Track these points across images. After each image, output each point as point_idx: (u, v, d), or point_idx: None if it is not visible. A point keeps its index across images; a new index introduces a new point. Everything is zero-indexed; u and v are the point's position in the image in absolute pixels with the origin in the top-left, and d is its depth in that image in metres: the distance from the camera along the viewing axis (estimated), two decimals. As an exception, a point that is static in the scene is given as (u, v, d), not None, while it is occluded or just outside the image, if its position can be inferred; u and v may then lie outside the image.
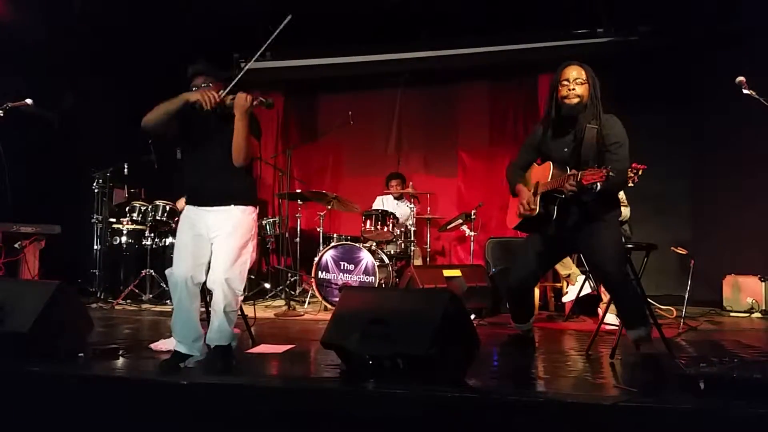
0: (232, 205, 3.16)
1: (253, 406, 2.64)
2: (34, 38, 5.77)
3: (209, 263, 3.16)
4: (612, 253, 3.30)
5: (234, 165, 3.13)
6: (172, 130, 3.22)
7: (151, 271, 5.97)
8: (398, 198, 6.59)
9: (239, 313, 3.34)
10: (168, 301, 5.65)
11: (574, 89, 3.30)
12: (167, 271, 3.22)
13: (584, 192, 3.16)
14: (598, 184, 3.08)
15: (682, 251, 5.33)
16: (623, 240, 3.52)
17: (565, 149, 3.38)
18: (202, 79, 3.18)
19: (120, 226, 6.12)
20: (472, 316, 4.72)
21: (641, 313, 3.35)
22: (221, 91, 3.11)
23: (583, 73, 3.33)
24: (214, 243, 3.13)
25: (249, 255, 3.19)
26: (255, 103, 3.08)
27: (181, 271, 3.10)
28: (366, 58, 7.01)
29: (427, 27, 6.71)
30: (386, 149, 7.46)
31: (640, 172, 4.48)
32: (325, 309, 5.50)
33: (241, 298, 3.21)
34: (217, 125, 3.16)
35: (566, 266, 5.20)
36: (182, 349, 3.13)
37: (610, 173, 3.00)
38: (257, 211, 3.32)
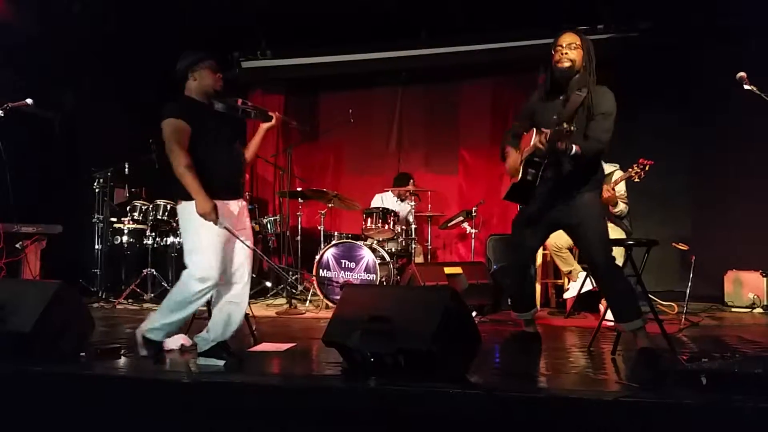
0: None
1: (255, 404, 2.65)
2: (34, 38, 5.77)
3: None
4: (595, 238, 3.28)
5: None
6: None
7: (153, 270, 5.97)
8: (403, 199, 6.55)
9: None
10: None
11: (566, 53, 3.29)
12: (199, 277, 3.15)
13: (558, 154, 3.14)
14: (574, 146, 3.07)
15: (683, 247, 5.33)
16: (607, 224, 3.45)
17: (554, 116, 3.31)
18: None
19: (121, 225, 6.11)
20: (474, 313, 4.71)
21: (634, 304, 3.31)
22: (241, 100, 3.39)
23: (577, 39, 3.32)
24: (239, 239, 3.25)
25: None
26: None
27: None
28: (367, 56, 7.00)
29: (428, 24, 6.70)
30: (387, 147, 7.46)
31: (647, 168, 4.45)
32: (327, 307, 5.50)
33: None
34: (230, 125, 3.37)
35: (567, 263, 5.18)
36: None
37: (571, 128, 2.97)
38: None
